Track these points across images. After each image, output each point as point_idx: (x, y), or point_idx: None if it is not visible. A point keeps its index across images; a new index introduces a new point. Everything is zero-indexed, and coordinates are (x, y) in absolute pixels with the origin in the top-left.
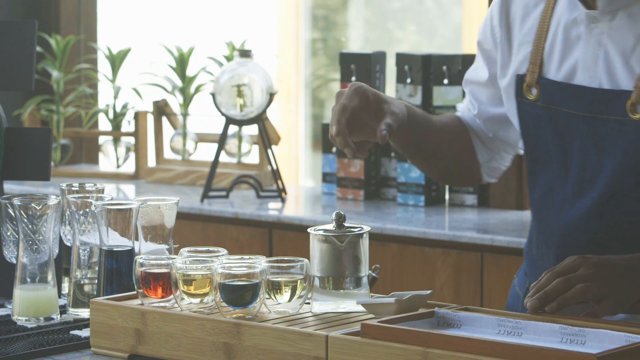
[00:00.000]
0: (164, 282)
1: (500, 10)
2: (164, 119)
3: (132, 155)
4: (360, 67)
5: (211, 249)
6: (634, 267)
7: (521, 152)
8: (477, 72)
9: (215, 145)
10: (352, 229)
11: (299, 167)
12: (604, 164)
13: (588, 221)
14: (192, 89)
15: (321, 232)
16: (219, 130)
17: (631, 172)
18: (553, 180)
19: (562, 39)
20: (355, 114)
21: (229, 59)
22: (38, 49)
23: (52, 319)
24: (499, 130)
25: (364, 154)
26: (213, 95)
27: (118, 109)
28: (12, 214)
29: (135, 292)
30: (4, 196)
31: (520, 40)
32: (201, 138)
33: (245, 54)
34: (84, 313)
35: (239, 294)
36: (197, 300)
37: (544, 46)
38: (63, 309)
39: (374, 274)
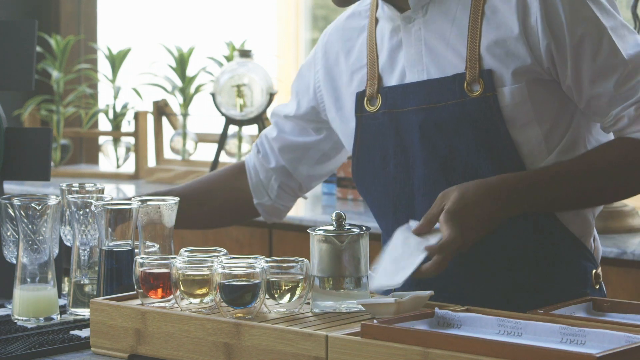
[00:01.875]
0: (164, 282)
1: (323, 65)
2: (164, 119)
3: (132, 155)
4: None
5: (211, 249)
6: (489, 194)
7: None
8: (286, 107)
9: (215, 145)
10: (352, 229)
11: None
12: (457, 148)
13: (434, 194)
14: (192, 89)
15: (321, 232)
16: (219, 130)
17: (486, 145)
18: (389, 184)
19: (388, 49)
20: None
21: (229, 59)
22: (38, 49)
23: (52, 319)
24: (293, 161)
25: None
26: (213, 95)
27: (118, 109)
28: (12, 214)
29: (135, 292)
30: (4, 196)
31: (351, 71)
32: (201, 138)
33: (245, 54)
34: (84, 313)
35: (239, 294)
36: (197, 300)
37: (378, 63)
38: (63, 309)
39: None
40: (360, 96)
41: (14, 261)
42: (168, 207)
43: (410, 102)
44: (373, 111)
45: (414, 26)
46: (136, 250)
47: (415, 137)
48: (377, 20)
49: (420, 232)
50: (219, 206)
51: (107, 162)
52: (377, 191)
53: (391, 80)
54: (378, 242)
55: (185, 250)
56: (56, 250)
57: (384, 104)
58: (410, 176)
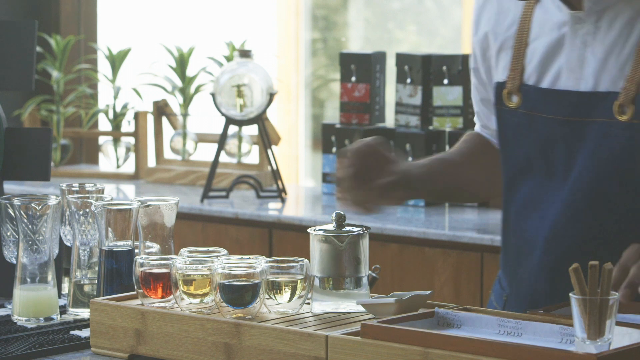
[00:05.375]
0: (164, 282)
1: (475, 26)
2: (164, 119)
3: (132, 155)
4: (360, 67)
5: (211, 249)
6: None
7: None
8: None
9: (215, 146)
10: (352, 229)
11: (299, 167)
12: (589, 168)
13: (574, 225)
14: (192, 89)
15: (321, 232)
16: (219, 130)
17: (617, 175)
18: (534, 187)
19: (544, 43)
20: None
21: (229, 59)
22: (38, 49)
23: (52, 319)
24: None
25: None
26: (213, 95)
27: (118, 109)
28: (12, 214)
29: (135, 292)
30: (4, 196)
31: (498, 46)
32: (201, 138)
33: (245, 54)
34: (84, 313)
35: (239, 294)
36: (197, 300)
37: (525, 52)
38: (63, 309)
39: (374, 274)
40: (499, 87)
41: (14, 261)
42: (168, 207)
43: (554, 109)
44: (513, 107)
45: (582, 28)
46: (136, 250)
47: (557, 148)
48: (539, 1)
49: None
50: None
51: (107, 162)
52: (521, 192)
53: (537, 77)
54: (378, 242)
55: (185, 251)
56: (56, 250)
57: (524, 104)
58: (551, 185)
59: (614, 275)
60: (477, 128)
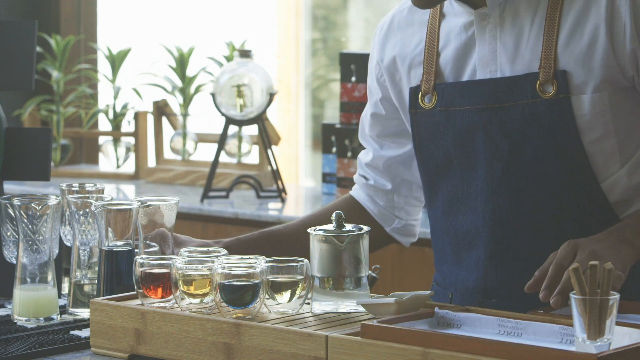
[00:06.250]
0: (164, 282)
1: (379, 56)
2: (164, 119)
3: (132, 155)
4: (360, 67)
5: (211, 249)
6: (618, 238)
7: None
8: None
9: (215, 146)
10: (352, 229)
11: (299, 167)
12: (523, 150)
13: (516, 209)
14: (192, 89)
15: (321, 232)
16: (219, 130)
17: (555, 150)
18: (457, 183)
19: (455, 47)
20: None
21: (229, 59)
22: (38, 49)
23: (52, 319)
24: (400, 172)
25: None
26: (213, 95)
27: (118, 109)
28: (12, 214)
29: (135, 292)
30: (4, 196)
31: (408, 65)
32: (201, 138)
33: (245, 54)
34: (84, 313)
35: (239, 294)
36: (197, 300)
37: (437, 60)
38: (63, 309)
39: (374, 274)
40: (414, 92)
41: (14, 261)
42: (168, 207)
43: (471, 100)
44: (428, 108)
45: (489, 24)
46: (136, 250)
47: (477, 138)
48: (443, 16)
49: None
50: None
51: (107, 162)
52: (443, 191)
53: (454, 79)
54: None
55: (185, 250)
56: (56, 250)
57: (440, 102)
58: (474, 177)
59: (549, 274)
60: (351, 193)
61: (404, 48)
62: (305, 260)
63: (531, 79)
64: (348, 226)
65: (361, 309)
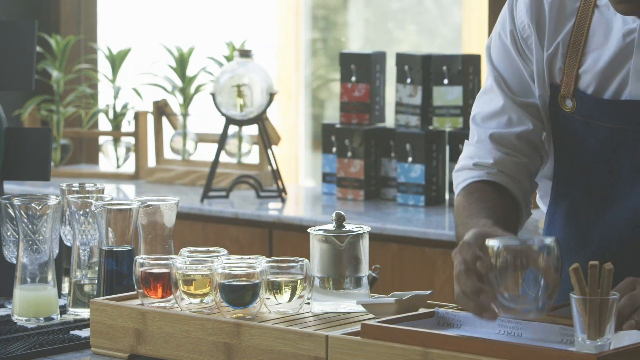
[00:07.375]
0: (164, 282)
1: (530, 9)
2: (164, 119)
3: (132, 155)
4: (360, 67)
5: (211, 249)
6: None
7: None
8: (490, 103)
9: (215, 145)
10: (352, 229)
11: (299, 167)
12: None
13: (633, 229)
14: (192, 89)
15: (321, 232)
16: (219, 130)
17: None
18: (594, 190)
19: (608, 53)
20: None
21: (229, 59)
22: (38, 49)
23: (52, 319)
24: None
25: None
26: (213, 95)
27: (118, 109)
28: (12, 214)
29: (135, 292)
30: (4, 196)
31: (549, 41)
32: (201, 138)
33: (245, 54)
34: (84, 313)
35: (239, 294)
36: (197, 300)
37: (580, 61)
38: (63, 309)
39: (374, 274)
40: (554, 90)
41: (14, 261)
42: (168, 207)
43: (615, 119)
44: (568, 112)
45: None
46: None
47: (623, 152)
48: (597, 7)
49: None
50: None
51: (107, 162)
52: (577, 189)
53: (606, 86)
54: (378, 242)
55: (185, 251)
56: (56, 250)
57: (579, 110)
58: (614, 190)
59: (621, 303)
60: (482, 177)
61: (544, 32)
62: (305, 260)
63: None
64: (348, 226)
65: (361, 309)
